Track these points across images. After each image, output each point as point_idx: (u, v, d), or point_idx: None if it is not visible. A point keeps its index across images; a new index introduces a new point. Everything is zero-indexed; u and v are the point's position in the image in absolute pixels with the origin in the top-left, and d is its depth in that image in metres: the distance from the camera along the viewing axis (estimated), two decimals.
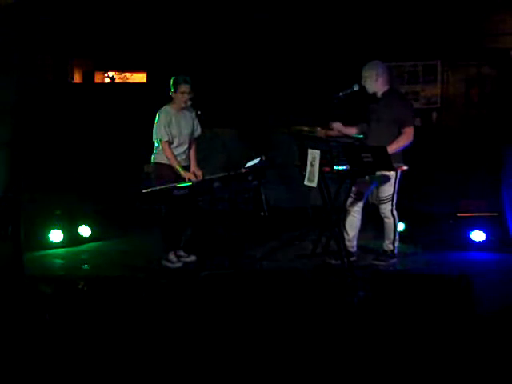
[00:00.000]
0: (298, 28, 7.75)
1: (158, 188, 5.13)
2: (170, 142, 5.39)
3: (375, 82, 5.31)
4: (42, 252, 6.15)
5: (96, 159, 7.65)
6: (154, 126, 5.42)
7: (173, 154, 5.39)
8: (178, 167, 5.37)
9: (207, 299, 4.11)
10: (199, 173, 5.50)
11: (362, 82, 5.33)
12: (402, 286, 3.77)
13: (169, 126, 5.38)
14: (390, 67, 5.56)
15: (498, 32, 7.75)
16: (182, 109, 5.47)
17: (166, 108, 5.46)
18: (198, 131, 5.63)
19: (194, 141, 5.62)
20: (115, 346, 3.61)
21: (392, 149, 5.10)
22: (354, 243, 5.60)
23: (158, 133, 5.37)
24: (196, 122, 5.58)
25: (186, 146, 5.53)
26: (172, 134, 5.39)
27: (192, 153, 5.61)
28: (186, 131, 5.50)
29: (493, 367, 3.32)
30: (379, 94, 5.36)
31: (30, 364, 3.44)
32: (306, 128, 5.49)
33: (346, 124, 5.60)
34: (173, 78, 5.45)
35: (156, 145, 5.47)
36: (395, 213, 5.41)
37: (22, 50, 7.33)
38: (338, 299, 4.55)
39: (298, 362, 3.44)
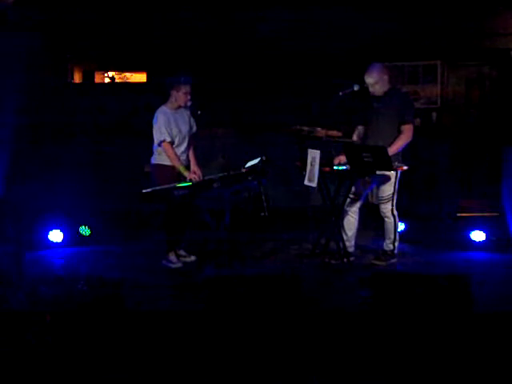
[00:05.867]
0: (298, 28, 7.74)
1: (158, 188, 5.13)
2: (172, 143, 5.38)
3: (383, 86, 5.31)
4: (42, 252, 6.15)
5: (96, 159, 7.64)
6: (154, 128, 5.38)
7: (175, 154, 5.38)
8: (180, 167, 5.36)
9: (207, 299, 4.11)
10: (199, 172, 5.50)
11: (370, 89, 5.31)
12: (402, 285, 3.76)
13: (169, 127, 5.36)
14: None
15: (498, 32, 7.75)
16: (179, 107, 5.46)
17: (163, 108, 5.43)
18: (195, 128, 5.62)
19: (192, 139, 5.61)
20: (115, 347, 3.61)
21: (392, 150, 5.12)
22: (353, 243, 5.60)
23: (160, 135, 5.34)
24: (192, 119, 5.57)
25: (185, 145, 5.52)
26: (172, 134, 5.38)
27: (191, 151, 5.61)
28: (185, 130, 5.50)
29: (492, 366, 3.33)
30: (381, 94, 5.37)
31: (29, 364, 3.44)
32: (306, 128, 5.49)
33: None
34: (173, 77, 5.43)
35: (155, 146, 5.45)
36: (395, 212, 5.41)
37: (22, 51, 7.34)
38: (338, 299, 4.55)
39: (298, 362, 3.44)
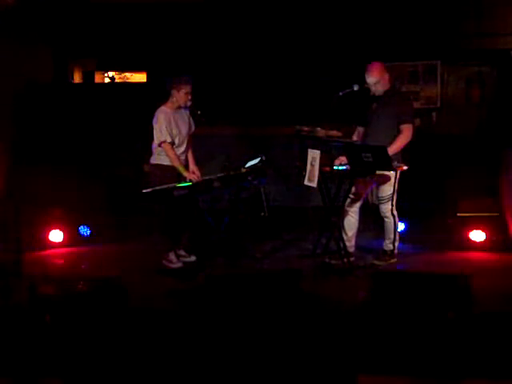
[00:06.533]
0: (299, 28, 7.75)
1: (158, 188, 5.13)
2: (172, 143, 5.37)
3: (383, 86, 5.31)
4: (42, 252, 6.16)
5: (96, 159, 7.65)
6: (155, 128, 5.36)
7: (176, 154, 5.37)
8: (180, 168, 5.35)
9: (207, 299, 4.11)
10: (198, 172, 5.49)
11: (372, 88, 5.30)
12: (402, 285, 3.76)
13: (169, 127, 5.35)
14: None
15: (498, 32, 7.75)
16: (179, 107, 5.45)
17: (164, 109, 5.40)
18: (193, 127, 5.61)
19: (190, 139, 5.60)
20: (115, 346, 3.61)
21: (392, 150, 5.11)
22: (353, 243, 5.60)
23: (161, 135, 5.32)
24: (191, 119, 5.57)
25: (185, 145, 5.52)
26: (173, 135, 5.37)
27: (189, 151, 5.60)
28: (185, 130, 5.49)
29: (492, 366, 3.33)
30: (381, 93, 5.36)
31: (29, 364, 3.44)
32: (305, 128, 5.48)
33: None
34: (173, 77, 5.41)
35: (154, 146, 5.45)
36: (395, 212, 5.41)
37: (22, 50, 7.34)
38: (338, 299, 4.55)
39: (297, 362, 3.44)
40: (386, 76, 5.33)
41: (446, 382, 3.27)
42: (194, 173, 5.43)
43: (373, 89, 5.32)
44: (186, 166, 5.50)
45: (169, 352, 3.59)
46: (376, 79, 5.27)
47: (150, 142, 5.47)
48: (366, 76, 5.30)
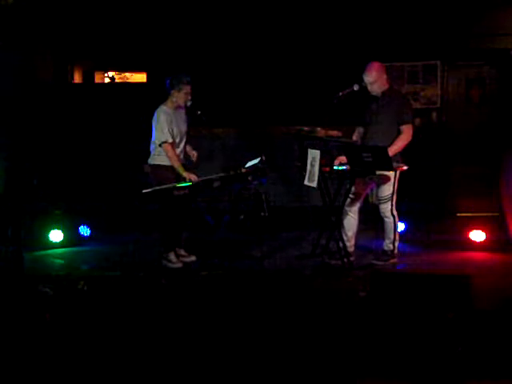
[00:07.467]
0: (298, 28, 7.75)
1: (158, 188, 5.13)
2: (173, 143, 5.36)
3: (381, 86, 5.31)
4: (42, 252, 6.16)
5: (96, 159, 7.65)
6: (157, 128, 5.35)
7: (176, 154, 5.37)
8: (180, 168, 5.34)
9: (207, 299, 4.12)
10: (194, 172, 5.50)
11: (369, 88, 5.30)
12: (401, 286, 3.76)
13: (171, 127, 5.35)
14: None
15: (498, 32, 7.75)
16: (178, 107, 5.45)
17: (164, 109, 5.40)
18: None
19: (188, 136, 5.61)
20: (115, 346, 3.61)
21: (393, 150, 5.11)
22: (353, 243, 5.59)
23: (162, 135, 5.32)
24: (186, 117, 5.57)
25: (183, 144, 5.53)
26: (174, 135, 5.37)
27: (184, 150, 5.61)
28: (184, 129, 5.50)
29: (492, 367, 3.32)
30: (379, 94, 5.36)
31: (30, 363, 3.44)
32: (306, 128, 5.48)
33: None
34: (174, 76, 5.41)
35: (153, 146, 5.44)
36: (395, 212, 5.41)
37: (21, 50, 7.34)
38: (338, 299, 4.55)
39: (297, 362, 3.44)
40: (384, 76, 5.33)
41: None
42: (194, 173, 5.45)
43: (369, 88, 5.31)
44: (185, 165, 5.50)
45: (168, 351, 3.60)
46: (373, 79, 5.26)
47: (150, 141, 5.47)
48: (364, 75, 5.30)
